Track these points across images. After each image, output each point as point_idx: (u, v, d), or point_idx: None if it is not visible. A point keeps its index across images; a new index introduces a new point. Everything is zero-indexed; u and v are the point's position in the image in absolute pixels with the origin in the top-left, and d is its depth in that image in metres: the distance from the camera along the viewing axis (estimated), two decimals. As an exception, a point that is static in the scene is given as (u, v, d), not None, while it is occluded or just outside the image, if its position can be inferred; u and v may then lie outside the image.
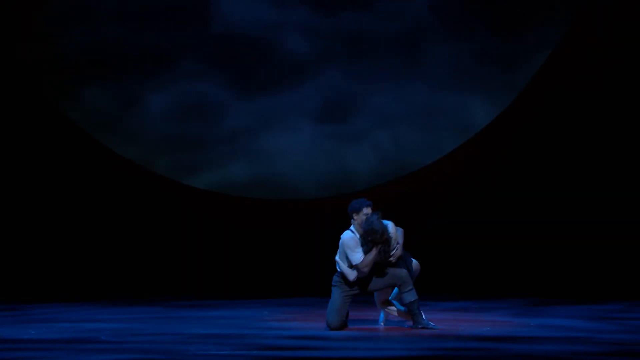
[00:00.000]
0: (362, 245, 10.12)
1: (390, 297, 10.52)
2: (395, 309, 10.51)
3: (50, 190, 15.65)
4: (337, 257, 10.32)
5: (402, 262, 10.28)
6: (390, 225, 10.19)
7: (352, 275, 10.18)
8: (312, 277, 15.20)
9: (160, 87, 15.70)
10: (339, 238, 10.28)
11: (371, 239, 10.05)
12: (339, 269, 10.33)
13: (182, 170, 15.79)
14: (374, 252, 10.02)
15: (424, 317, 10.23)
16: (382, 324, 10.67)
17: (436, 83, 15.54)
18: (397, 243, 10.16)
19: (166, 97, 15.73)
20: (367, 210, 10.21)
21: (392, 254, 10.14)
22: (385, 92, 15.67)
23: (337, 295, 10.30)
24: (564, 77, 15.16)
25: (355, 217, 10.27)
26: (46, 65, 15.67)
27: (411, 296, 10.09)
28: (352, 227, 10.30)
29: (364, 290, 10.29)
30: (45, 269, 15.42)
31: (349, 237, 10.19)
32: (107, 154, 15.68)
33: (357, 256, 10.09)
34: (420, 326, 10.11)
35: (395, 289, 10.35)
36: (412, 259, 10.51)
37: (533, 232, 15.10)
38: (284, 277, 15.31)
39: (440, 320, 10.90)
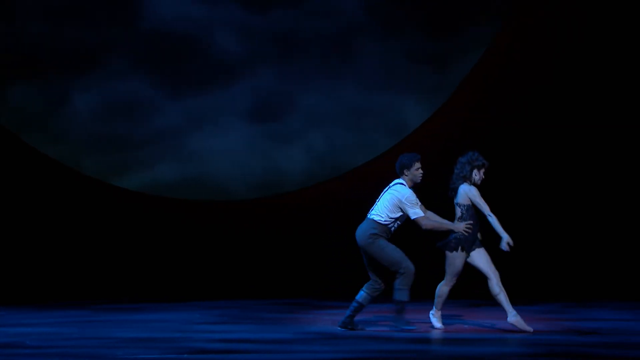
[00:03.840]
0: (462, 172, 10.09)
1: None
2: None
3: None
4: (379, 211, 10.15)
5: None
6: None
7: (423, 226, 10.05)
8: (244, 278, 15.11)
9: (88, 85, 15.46)
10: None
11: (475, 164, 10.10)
12: (374, 222, 10.11)
13: (110, 170, 15.57)
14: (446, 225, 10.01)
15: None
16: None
17: (369, 83, 15.51)
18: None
19: (94, 96, 15.49)
20: (418, 165, 10.17)
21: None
22: (318, 92, 15.59)
23: (385, 243, 10.07)
24: (496, 76, 15.22)
25: (406, 173, 10.14)
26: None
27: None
28: (402, 181, 10.14)
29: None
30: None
31: (411, 192, 10.08)
32: (32, 153, 15.40)
33: (417, 211, 10.00)
34: (406, 328, 9.99)
35: None
36: None
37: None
38: (215, 279, 15.17)
39: (375, 323, 10.85)
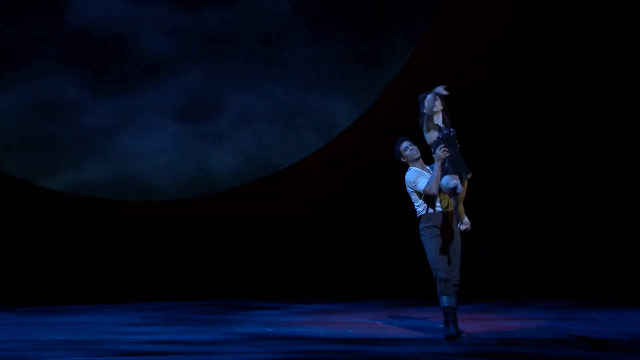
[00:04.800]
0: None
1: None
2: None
3: None
4: (414, 207, 9.91)
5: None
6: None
7: (431, 190, 9.68)
8: (173, 280, 15.03)
9: (13, 84, 15.23)
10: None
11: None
12: (417, 219, 9.84)
13: (36, 171, 15.36)
14: (437, 168, 9.65)
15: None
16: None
17: (299, 83, 15.50)
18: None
19: (19, 95, 15.27)
20: (406, 144, 10.02)
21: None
22: (248, 91, 15.55)
23: (428, 240, 9.72)
24: (425, 76, 15.28)
25: (403, 159, 10.00)
26: None
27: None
28: (412, 168, 9.98)
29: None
30: None
31: (412, 171, 9.89)
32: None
33: (422, 181, 9.74)
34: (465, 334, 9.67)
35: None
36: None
37: (399, 234, 15.14)
38: (144, 280, 15.05)
39: (303, 323, 10.85)
